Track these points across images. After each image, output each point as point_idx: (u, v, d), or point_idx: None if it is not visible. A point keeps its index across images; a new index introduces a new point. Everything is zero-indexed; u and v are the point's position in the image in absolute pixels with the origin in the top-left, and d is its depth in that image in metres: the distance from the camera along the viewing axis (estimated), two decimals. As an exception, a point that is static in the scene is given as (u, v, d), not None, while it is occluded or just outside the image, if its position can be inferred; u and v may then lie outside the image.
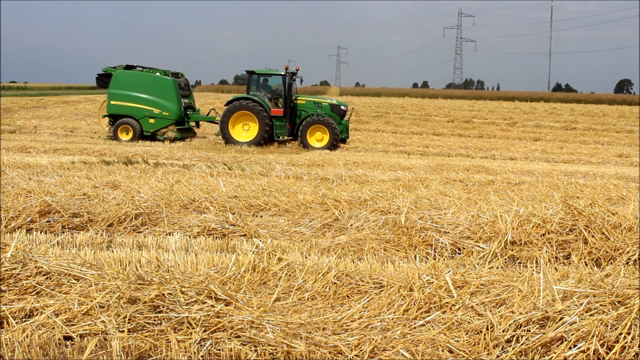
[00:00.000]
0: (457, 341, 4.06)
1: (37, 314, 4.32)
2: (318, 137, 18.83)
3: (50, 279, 4.76)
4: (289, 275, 5.23)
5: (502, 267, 5.72)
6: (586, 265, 5.98)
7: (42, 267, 4.83)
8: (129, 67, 20.25)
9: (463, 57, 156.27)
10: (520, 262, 6.17)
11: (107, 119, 20.22)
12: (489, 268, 5.28)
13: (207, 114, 21.54)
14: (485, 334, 4.03)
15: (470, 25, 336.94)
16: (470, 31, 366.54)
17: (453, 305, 4.44)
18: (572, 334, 3.81)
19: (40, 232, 6.92)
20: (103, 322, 4.15)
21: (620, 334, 3.77)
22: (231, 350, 3.91)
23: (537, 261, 6.05)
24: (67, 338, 4.07)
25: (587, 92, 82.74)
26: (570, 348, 3.76)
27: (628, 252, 6.11)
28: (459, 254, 6.41)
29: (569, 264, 6.09)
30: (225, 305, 4.30)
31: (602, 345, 3.73)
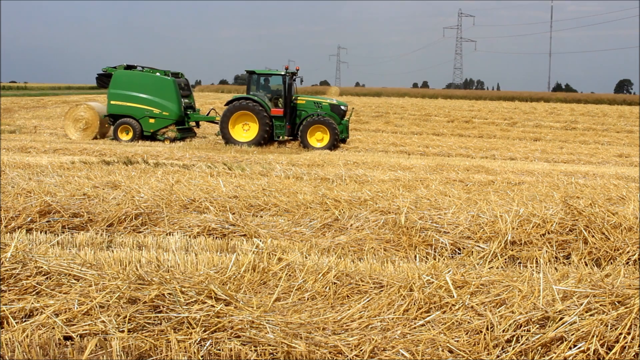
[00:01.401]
0: (457, 341, 4.06)
1: (37, 314, 4.32)
2: (318, 137, 18.83)
3: (50, 279, 4.77)
4: (289, 275, 5.23)
5: (502, 267, 5.72)
6: (586, 265, 5.98)
7: (42, 267, 4.83)
8: (129, 67, 20.25)
9: (463, 57, 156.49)
10: (520, 262, 6.17)
11: (71, 128, 20.20)
12: (489, 268, 5.28)
13: (207, 114, 21.54)
14: (485, 334, 4.03)
15: (470, 25, 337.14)
16: (470, 31, 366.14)
17: (453, 305, 4.44)
18: (572, 334, 3.81)
19: (40, 232, 6.92)
20: (103, 322, 4.15)
21: (620, 334, 3.77)
22: (231, 350, 3.91)
23: (537, 261, 6.06)
24: (67, 338, 4.07)
25: (587, 92, 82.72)
26: (570, 348, 3.76)
27: (628, 252, 6.11)
28: (459, 254, 6.41)
29: (569, 264, 6.09)
30: (225, 305, 4.30)
31: (602, 345, 3.73)
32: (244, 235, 7.10)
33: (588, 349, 3.72)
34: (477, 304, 4.38)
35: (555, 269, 5.76)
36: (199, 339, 3.97)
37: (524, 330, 3.96)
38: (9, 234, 6.73)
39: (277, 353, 3.90)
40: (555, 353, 3.76)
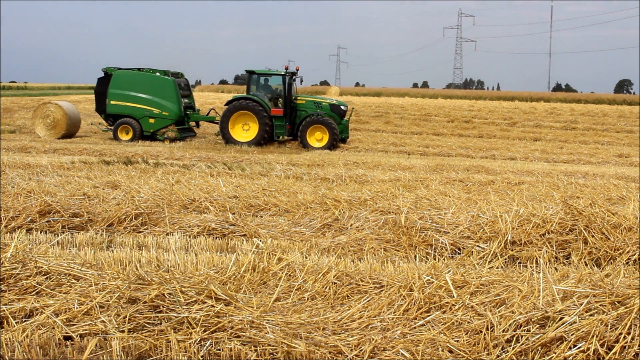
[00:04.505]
0: (457, 341, 4.06)
1: (37, 314, 4.32)
2: (318, 137, 18.84)
3: (50, 279, 4.77)
4: (289, 275, 5.23)
5: (502, 267, 5.72)
6: (586, 265, 5.98)
7: (42, 267, 4.83)
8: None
9: (463, 57, 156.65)
10: (520, 262, 6.17)
11: (39, 125, 20.21)
12: (489, 268, 5.28)
13: (207, 114, 21.55)
14: (485, 334, 4.03)
15: (470, 25, 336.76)
16: (470, 31, 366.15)
17: (453, 305, 4.44)
18: (572, 334, 3.81)
19: (40, 232, 6.92)
20: (103, 322, 4.15)
21: (620, 334, 3.77)
22: (231, 350, 3.91)
23: (537, 261, 6.06)
24: (67, 338, 4.07)
25: (587, 92, 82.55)
26: (570, 348, 3.76)
27: (628, 252, 6.11)
28: (459, 254, 6.41)
29: (569, 264, 6.10)
30: (225, 305, 4.30)
31: (602, 345, 3.73)
32: (244, 235, 7.09)
33: (588, 349, 3.72)
34: (477, 304, 4.38)
35: (555, 269, 5.76)
36: (199, 339, 3.97)
37: (524, 330, 3.96)
38: (9, 234, 6.73)
39: (277, 353, 3.90)
40: (555, 353, 3.76)
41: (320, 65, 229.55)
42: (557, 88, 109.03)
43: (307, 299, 4.87)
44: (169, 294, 4.32)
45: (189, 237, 7.03)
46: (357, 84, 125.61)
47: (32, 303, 4.40)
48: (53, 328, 4.13)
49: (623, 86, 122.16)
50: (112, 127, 19.90)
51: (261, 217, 7.90)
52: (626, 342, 3.72)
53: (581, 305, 4.03)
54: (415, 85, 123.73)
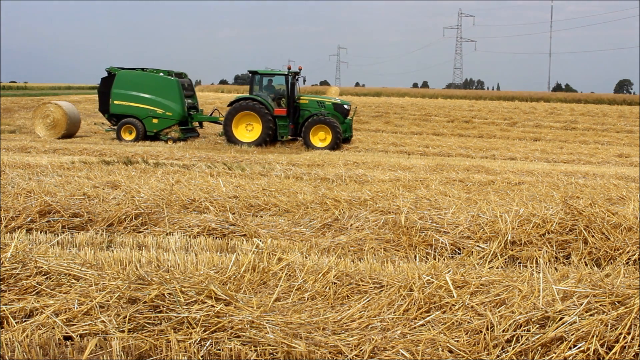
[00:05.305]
0: (457, 341, 4.06)
1: (37, 314, 4.32)
2: (321, 137, 18.87)
3: (50, 279, 4.77)
4: (289, 275, 5.23)
5: (502, 267, 5.72)
6: (586, 265, 5.98)
7: (42, 267, 4.83)
8: None
9: (463, 57, 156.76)
10: (520, 262, 6.17)
11: (39, 125, 20.23)
12: (489, 268, 5.28)
13: (210, 114, 21.55)
14: (485, 334, 4.03)
15: (470, 25, 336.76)
16: (470, 31, 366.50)
17: (453, 305, 4.44)
18: (572, 334, 3.80)
19: (40, 232, 6.92)
20: (103, 322, 4.16)
21: (620, 334, 3.77)
22: (231, 350, 3.91)
23: (537, 261, 6.05)
24: (67, 338, 4.07)
25: (587, 92, 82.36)
26: (570, 348, 3.76)
27: (628, 252, 6.11)
28: (459, 254, 6.41)
29: (569, 264, 6.09)
30: (225, 305, 4.30)
31: (602, 345, 3.73)
32: (244, 235, 7.09)
33: (588, 349, 3.72)
34: (477, 304, 4.38)
35: (555, 269, 5.76)
36: (199, 339, 3.97)
37: (524, 330, 3.96)
38: (9, 234, 6.73)
39: (277, 353, 3.90)
40: (555, 353, 3.76)
41: (320, 65, 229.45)
42: (557, 88, 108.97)
43: (307, 299, 4.87)
44: (169, 294, 4.32)
45: (189, 237, 7.03)
46: (357, 84, 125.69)
47: (32, 303, 4.40)
48: (53, 328, 4.13)
49: (623, 86, 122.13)
50: (115, 127, 19.91)
51: (261, 217, 7.90)
52: (626, 342, 3.72)
53: (581, 305, 4.03)
54: (415, 85, 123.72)
